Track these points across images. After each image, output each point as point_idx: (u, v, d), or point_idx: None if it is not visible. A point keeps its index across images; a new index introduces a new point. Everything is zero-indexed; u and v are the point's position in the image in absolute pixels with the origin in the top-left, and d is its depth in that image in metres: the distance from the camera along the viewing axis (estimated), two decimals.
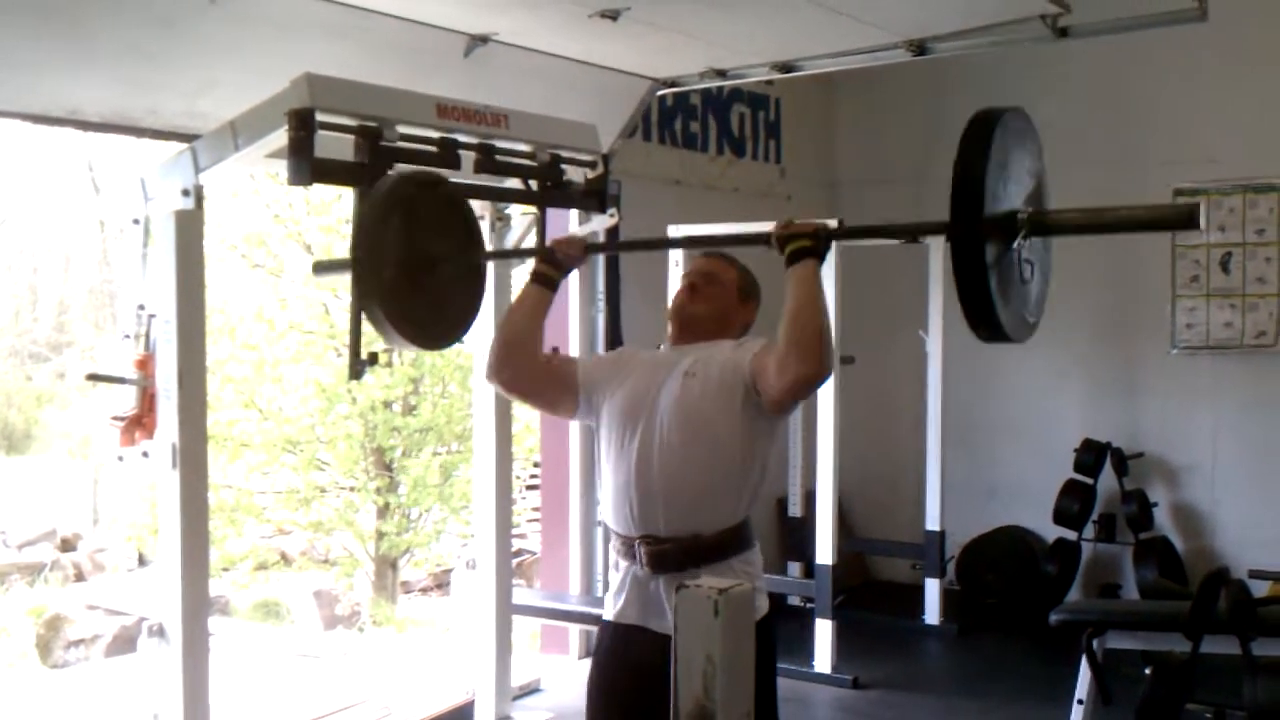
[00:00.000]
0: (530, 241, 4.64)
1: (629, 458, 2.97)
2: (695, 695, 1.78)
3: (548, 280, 3.18)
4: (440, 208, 3.44)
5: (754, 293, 3.20)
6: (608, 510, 3.07)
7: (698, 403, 2.92)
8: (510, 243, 4.85)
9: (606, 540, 3.31)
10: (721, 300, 3.13)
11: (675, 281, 6.23)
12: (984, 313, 2.67)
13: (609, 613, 3.08)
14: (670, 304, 3.15)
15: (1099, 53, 6.94)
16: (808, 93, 8.08)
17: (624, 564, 3.03)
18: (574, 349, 6.30)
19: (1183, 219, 2.60)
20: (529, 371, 3.16)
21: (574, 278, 6.33)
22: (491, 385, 3.29)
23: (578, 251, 3.20)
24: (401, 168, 3.42)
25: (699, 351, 3.02)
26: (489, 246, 4.19)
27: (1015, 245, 2.70)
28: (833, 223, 5.55)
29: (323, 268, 3.62)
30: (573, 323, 6.31)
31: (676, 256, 6.23)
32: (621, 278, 6.32)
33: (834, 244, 5.76)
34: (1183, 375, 7.26)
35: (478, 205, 4.81)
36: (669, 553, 2.92)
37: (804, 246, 2.86)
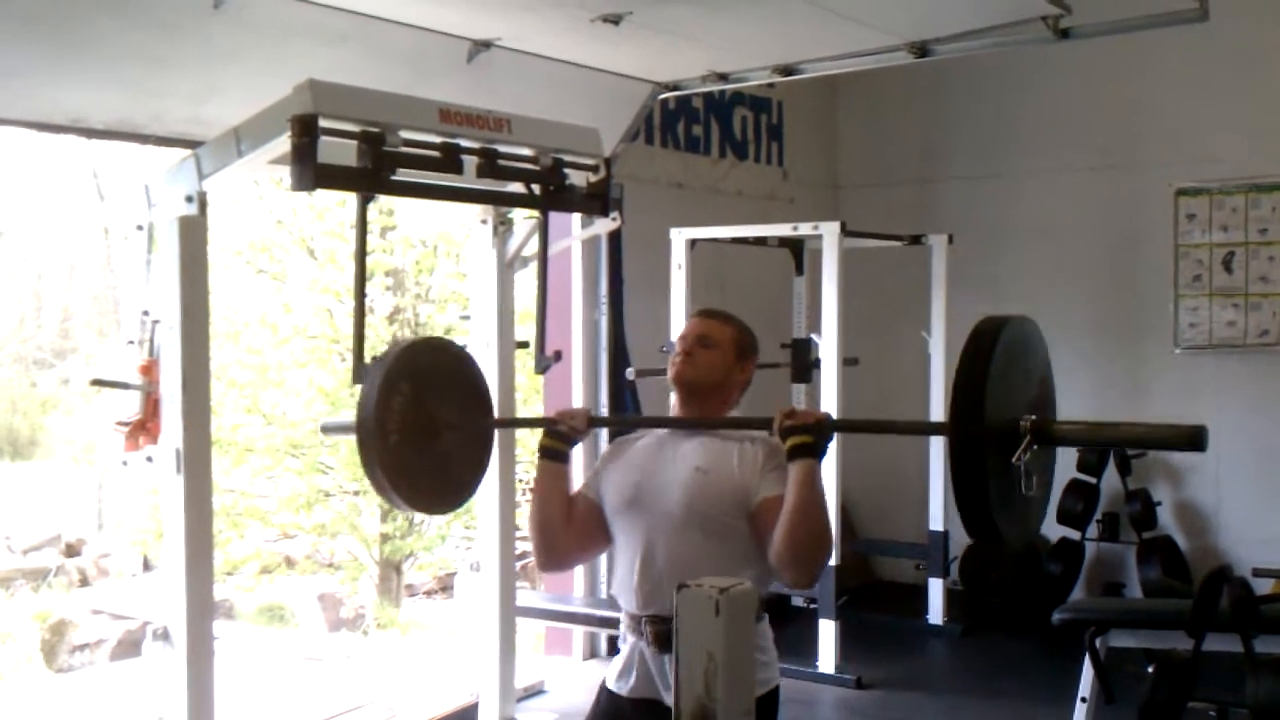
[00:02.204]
0: (534, 245, 4.65)
1: (637, 539, 2.98)
2: (696, 694, 1.80)
3: (555, 453, 3.18)
4: (449, 372, 3.45)
5: (752, 349, 3.17)
6: (616, 585, 3.08)
7: (706, 496, 2.92)
8: (513, 248, 4.87)
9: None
10: (719, 363, 3.09)
11: (678, 285, 6.25)
12: (981, 520, 2.71)
13: (615, 685, 3.07)
14: (669, 371, 3.13)
15: (1100, 53, 6.95)
16: (810, 95, 8.09)
17: (631, 639, 3.03)
18: (576, 351, 6.31)
19: (1186, 440, 2.62)
20: (574, 551, 3.20)
21: (577, 281, 6.36)
22: (547, 573, 3.30)
23: (581, 424, 3.20)
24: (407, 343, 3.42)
25: (710, 450, 2.99)
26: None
27: (1016, 455, 2.69)
28: (835, 233, 5.57)
29: (330, 429, 3.62)
30: (575, 325, 6.33)
31: (679, 259, 6.26)
32: (624, 281, 6.33)
33: (838, 244, 5.79)
34: (1186, 374, 7.26)
35: (480, 210, 4.85)
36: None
37: (805, 444, 2.85)
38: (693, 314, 3.26)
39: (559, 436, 3.17)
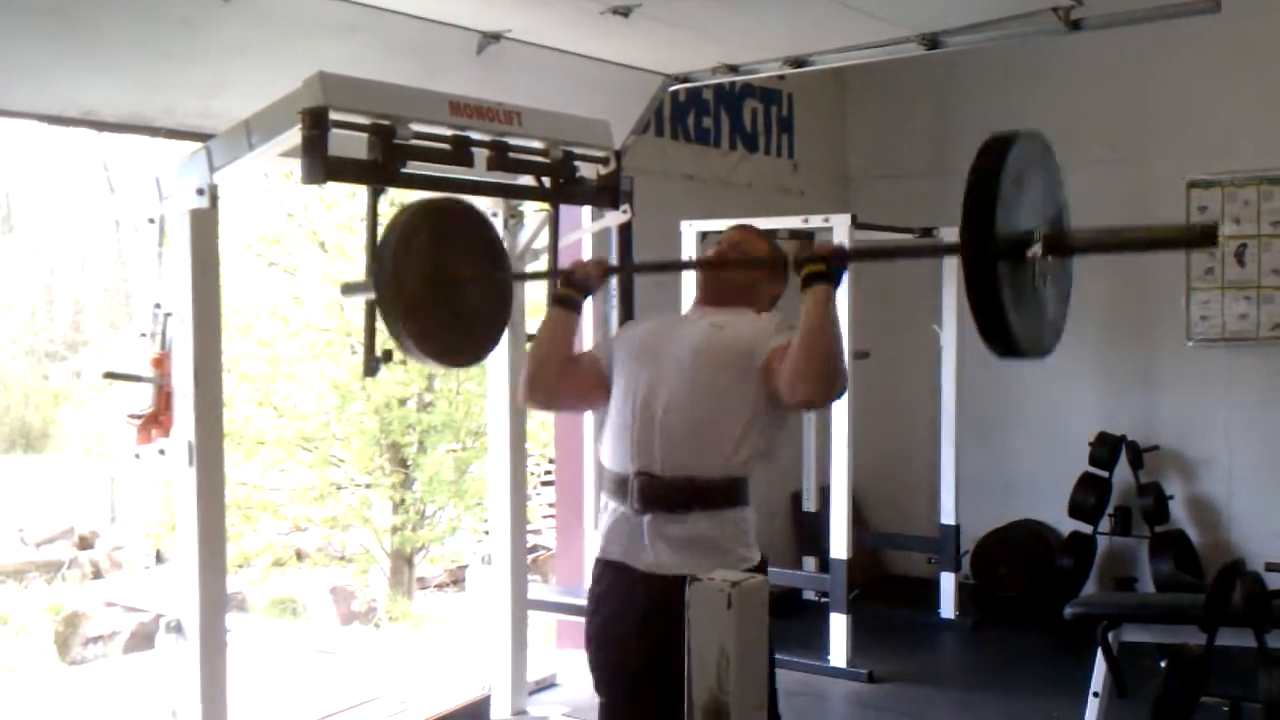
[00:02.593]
0: (544, 239, 4.65)
1: (635, 394, 3.01)
2: (709, 687, 1.79)
3: (568, 302, 3.21)
4: (466, 229, 3.46)
5: (783, 269, 3.21)
6: (606, 450, 3.10)
7: (717, 351, 2.97)
8: (523, 241, 4.86)
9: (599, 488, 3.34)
10: (750, 271, 3.15)
11: (690, 279, 6.24)
12: (1000, 334, 2.66)
13: (601, 551, 3.15)
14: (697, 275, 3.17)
15: (1112, 45, 6.93)
16: (820, 87, 8.07)
17: (613, 504, 3.08)
18: (586, 344, 6.29)
19: (1197, 238, 2.59)
20: (558, 391, 3.24)
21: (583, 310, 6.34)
22: (528, 408, 3.36)
23: (597, 273, 3.22)
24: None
25: (727, 314, 3.05)
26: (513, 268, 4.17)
27: (1030, 266, 2.68)
28: (845, 225, 5.56)
29: (350, 289, 3.63)
30: (586, 319, 6.31)
31: (690, 251, 6.25)
32: (635, 281, 6.32)
33: (849, 236, 5.77)
34: (1198, 367, 7.24)
35: (489, 203, 4.85)
36: (660, 490, 2.95)
37: (818, 271, 2.86)
38: (730, 226, 3.33)
39: (574, 285, 3.22)
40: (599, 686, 3.23)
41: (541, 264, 4.78)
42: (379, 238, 3.30)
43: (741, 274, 3.16)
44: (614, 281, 6.32)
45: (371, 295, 3.32)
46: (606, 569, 3.13)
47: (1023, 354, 2.76)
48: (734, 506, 3.00)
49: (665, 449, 2.94)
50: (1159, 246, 2.73)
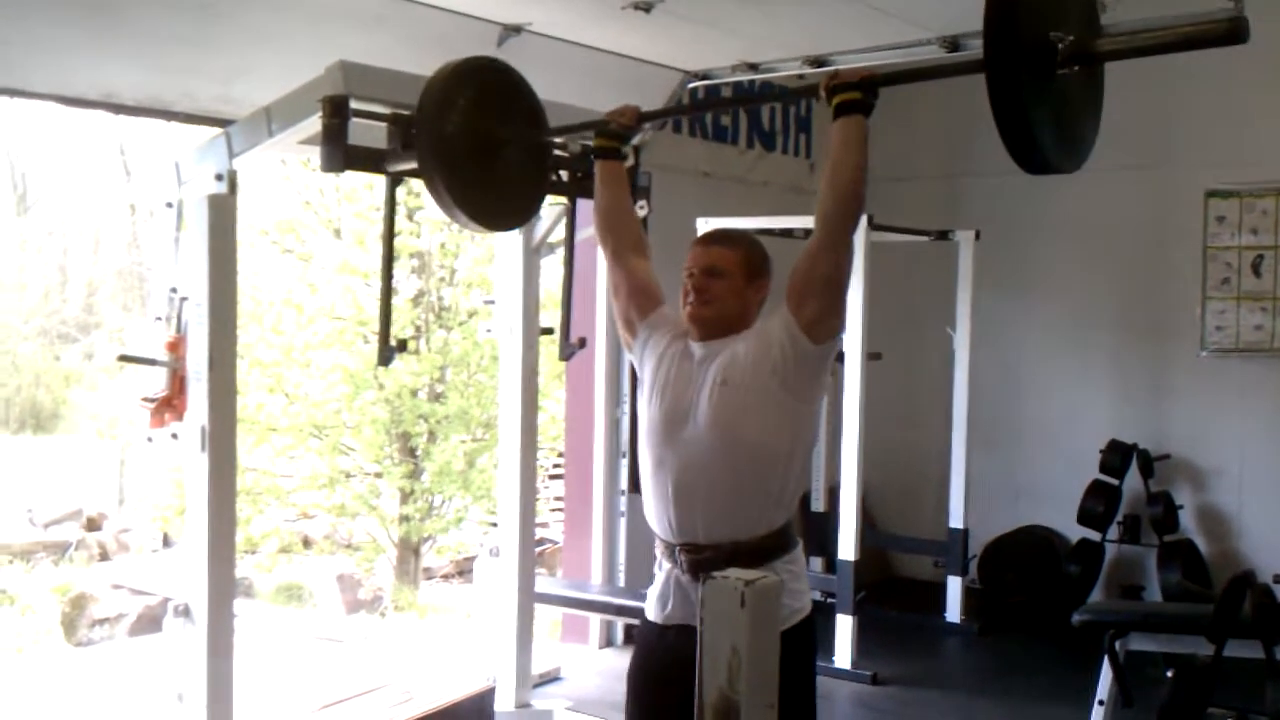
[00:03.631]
0: (560, 232, 4.65)
1: (669, 467, 2.95)
2: (720, 686, 1.79)
3: (610, 151, 3.30)
4: (507, 92, 3.48)
5: (763, 267, 3.11)
6: (649, 513, 3.06)
7: (736, 414, 2.89)
8: (539, 235, 4.87)
9: (630, 533, 3.32)
10: (730, 294, 3.02)
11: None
12: (1025, 145, 2.60)
13: (654, 614, 3.07)
14: (681, 298, 3.10)
15: None
16: None
17: (666, 565, 3.03)
18: (600, 339, 6.31)
19: (1226, 33, 2.52)
20: (629, 242, 3.29)
21: (602, 271, 6.34)
22: (605, 256, 3.35)
23: (630, 119, 3.27)
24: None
25: (727, 353, 2.97)
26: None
27: (1057, 73, 2.58)
28: (861, 226, 5.55)
29: (394, 157, 3.60)
30: (600, 313, 6.32)
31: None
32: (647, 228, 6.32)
33: (865, 238, 5.76)
34: (1212, 378, 7.22)
35: None
36: (709, 560, 2.87)
37: (852, 99, 2.86)
38: (695, 240, 3.21)
39: (611, 135, 3.30)
40: None
41: (557, 257, 4.79)
42: (421, 93, 3.32)
43: (723, 295, 3.03)
44: None
45: (410, 164, 3.35)
46: (668, 632, 3.04)
47: (1051, 168, 2.71)
48: (782, 556, 2.96)
49: (707, 522, 2.91)
50: (1189, 45, 2.63)
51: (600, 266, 6.32)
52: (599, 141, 3.31)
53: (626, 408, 6.31)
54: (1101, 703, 4.50)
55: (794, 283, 2.91)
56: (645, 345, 3.13)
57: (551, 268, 5.33)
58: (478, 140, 3.35)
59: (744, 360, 2.93)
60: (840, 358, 6.20)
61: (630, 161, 4.55)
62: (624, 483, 6.32)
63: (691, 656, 2.88)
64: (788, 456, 2.92)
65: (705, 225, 6.23)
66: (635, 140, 3.50)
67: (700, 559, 2.89)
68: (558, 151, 3.90)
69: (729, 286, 3.03)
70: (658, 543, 3.05)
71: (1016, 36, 2.53)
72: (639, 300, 3.19)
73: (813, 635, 2.97)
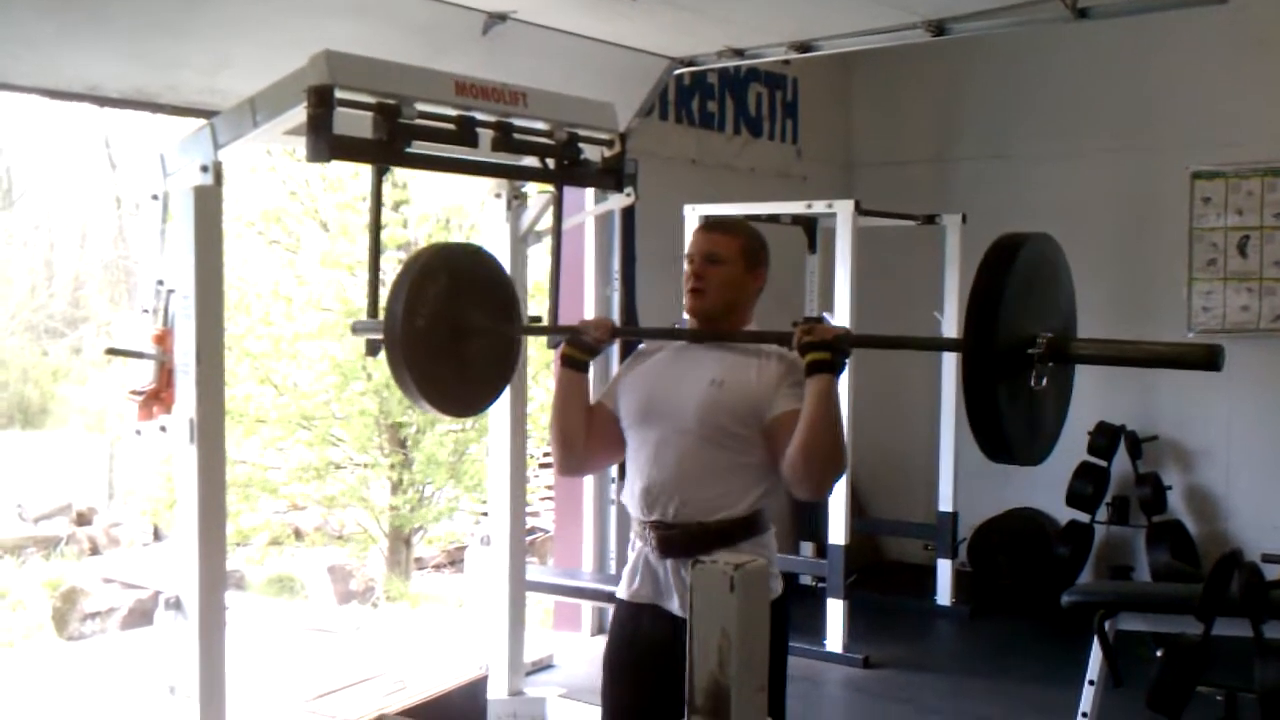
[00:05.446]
0: (547, 219, 4.64)
1: (648, 446, 3.03)
2: (710, 670, 1.80)
3: (576, 363, 3.21)
4: (481, 279, 3.48)
5: (762, 257, 3.15)
6: (627, 493, 3.12)
7: (720, 408, 2.94)
8: (526, 222, 4.86)
9: (620, 520, 3.35)
10: (729, 281, 3.07)
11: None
12: (992, 437, 2.69)
13: (623, 591, 3.14)
14: (684, 297, 3.12)
15: (1117, 34, 6.91)
16: (825, 73, 8.06)
17: (638, 545, 3.09)
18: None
19: (1202, 359, 2.60)
20: (588, 454, 3.23)
21: (589, 258, 6.35)
22: (565, 477, 3.36)
23: (604, 334, 3.22)
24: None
25: (727, 362, 3.00)
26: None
27: (1031, 370, 2.67)
28: (849, 211, 5.56)
29: (360, 329, 3.64)
30: (588, 301, 6.32)
31: (690, 235, 6.23)
32: (637, 257, 6.33)
33: (852, 222, 5.77)
34: None
35: (493, 184, 4.84)
36: (675, 538, 2.98)
37: (823, 360, 2.85)
38: (697, 228, 3.24)
39: (581, 346, 3.23)
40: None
41: (545, 245, 4.79)
42: (397, 273, 3.33)
43: (722, 281, 3.09)
44: (615, 266, 6.33)
45: (379, 337, 3.34)
46: (633, 610, 3.10)
47: (1015, 460, 2.80)
48: (750, 537, 2.99)
49: (675, 501, 2.96)
50: (1163, 363, 2.76)
51: (589, 251, 6.35)
52: (567, 350, 3.25)
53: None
54: (1091, 682, 4.53)
55: (781, 450, 2.91)
56: (620, 394, 3.17)
57: (539, 256, 5.33)
58: (448, 331, 3.35)
59: (744, 378, 2.98)
60: None
61: (629, 198, 4.57)
62: (614, 470, 6.33)
63: (658, 639, 2.93)
64: (763, 464, 2.96)
65: (693, 212, 6.25)
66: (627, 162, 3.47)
67: (668, 536, 2.97)
68: (543, 139, 3.89)
69: (728, 273, 3.09)
70: (634, 523, 3.10)
71: (994, 342, 2.65)
72: (616, 438, 3.19)
73: (784, 617, 3.00)
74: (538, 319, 4.73)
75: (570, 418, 3.17)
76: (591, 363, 3.23)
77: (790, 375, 2.94)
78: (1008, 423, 2.68)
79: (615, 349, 5.45)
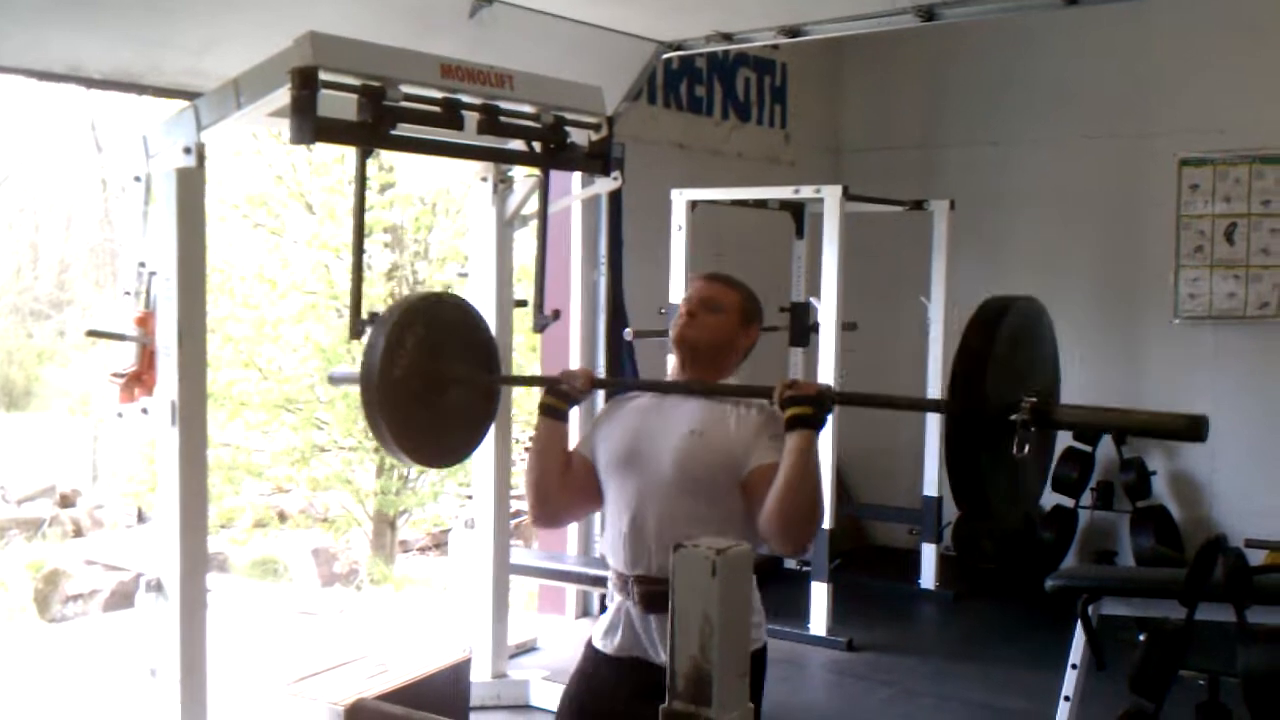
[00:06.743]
0: (533, 203, 4.63)
1: (626, 500, 2.97)
2: (692, 655, 1.80)
3: (556, 412, 3.18)
4: (457, 327, 3.45)
5: (756, 315, 3.13)
6: (606, 545, 3.07)
7: (698, 459, 2.89)
8: (512, 206, 4.85)
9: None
10: (723, 328, 3.05)
11: (678, 246, 6.23)
12: (974, 501, 2.70)
13: (600, 643, 3.07)
14: (670, 331, 3.10)
15: (1107, 21, 6.92)
16: (814, 58, 8.04)
17: (619, 598, 3.03)
18: (574, 310, 6.30)
19: (1186, 429, 2.60)
20: (564, 505, 3.18)
21: (576, 243, 6.34)
22: (540, 528, 3.31)
23: (583, 384, 3.19)
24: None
25: (706, 413, 2.96)
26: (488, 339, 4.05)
27: (1015, 436, 2.67)
28: (837, 196, 5.55)
29: (338, 379, 3.64)
30: (574, 285, 6.32)
31: (680, 220, 6.23)
32: (624, 241, 6.32)
33: (840, 208, 5.76)
34: (1184, 345, 7.26)
35: (480, 167, 4.83)
36: (661, 594, 2.89)
37: (804, 415, 2.83)
38: (698, 276, 3.19)
39: (560, 395, 3.16)
40: None
41: (531, 229, 4.79)
42: (374, 325, 3.30)
43: (716, 330, 3.07)
44: (602, 250, 6.32)
45: (356, 388, 3.32)
46: (614, 663, 3.04)
47: (994, 522, 2.82)
48: None
49: (660, 555, 2.90)
50: (1148, 433, 2.77)
51: (575, 235, 6.33)
52: (546, 399, 3.19)
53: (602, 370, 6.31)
54: (1075, 666, 4.53)
55: (758, 502, 2.86)
56: (598, 443, 3.12)
57: (525, 240, 5.32)
58: (425, 384, 3.31)
59: (720, 436, 2.93)
60: (815, 327, 6.22)
61: (616, 182, 4.55)
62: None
63: (641, 689, 2.86)
64: (744, 514, 2.90)
65: (680, 196, 6.24)
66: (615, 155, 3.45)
67: (653, 591, 2.89)
68: (529, 122, 3.88)
69: (723, 322, 3.06)
70: (611, 575, 3.05)
71: (978, 408, 2.68)
72: (593, 489, 3.13)
73: (762, 669, 2.97)
74: (523, 302, 4.74)
75: (547, 467, 3.11)
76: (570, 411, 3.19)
77: (769, 427, 2.89)
78: (990, 487, 2.69)
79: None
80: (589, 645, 3.13)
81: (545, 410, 3.17)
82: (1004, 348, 2.72)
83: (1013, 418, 2.66)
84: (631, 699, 2.93)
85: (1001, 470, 2.73)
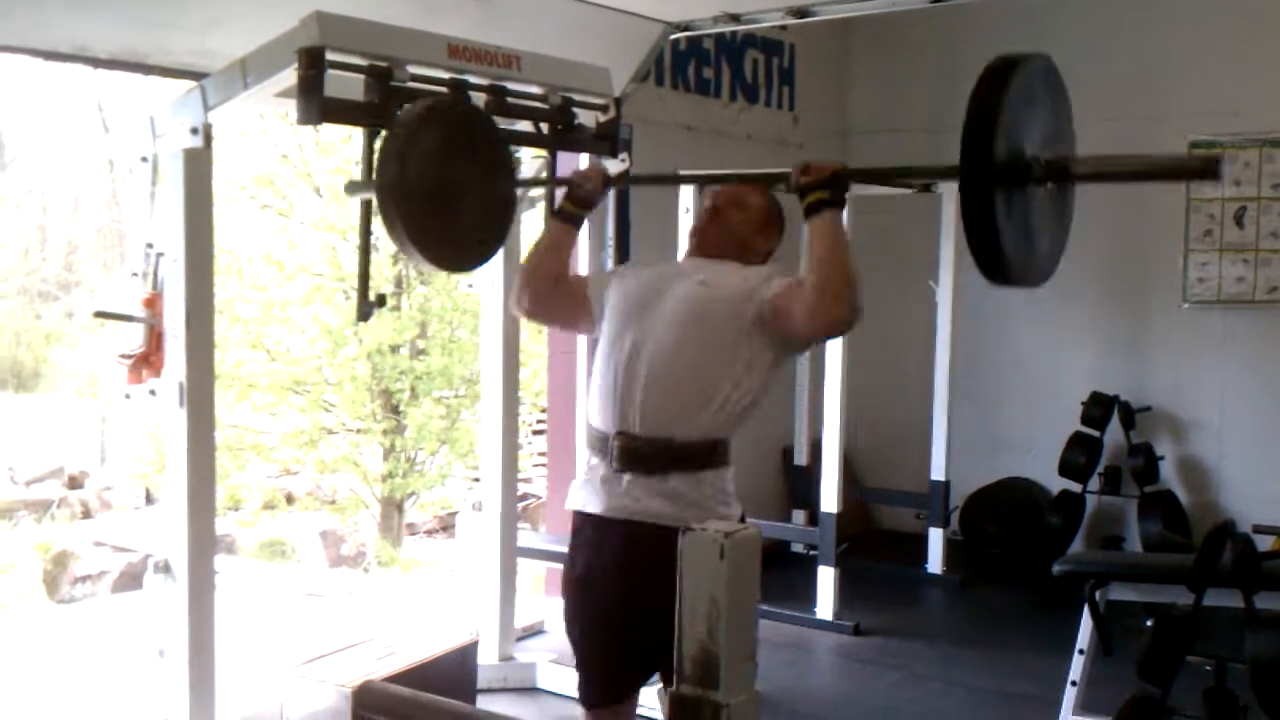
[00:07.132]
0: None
1: (620, 352, 2.98)
2: (699, 638, 1.79)
3: (569, 215, 3.21)
4: (475, 134, 3.44)
5: (779, 223, 3.17)
6: (592, 408, 3.08)
7: (703, 307, 2.91)
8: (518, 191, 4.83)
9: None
10: (745, 224, 3.10)
11: (685, 228, 6.21)
12: (992, 258, 2.62)
13: (571, 502, 3.14)
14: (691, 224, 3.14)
15: (1117, 3, 6.88)
16: (823, 39, 8.01)
17: (595, 460, 3.05)
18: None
19: (1199, 170, 2.56)
20: (545, 298, 3.22)
21: (583, 225, 6.31)
22: (515, 314, 3.31)
23: (597, 184, 3.21)
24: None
25: (717, 267, 3.00)
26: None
27: (1029, 191, 2.63)
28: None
29: (354, 187, 3.59)
30: (581, 267, 6.29)
31: (687, 203, 6.21)
32: (631, 223, 6.30)
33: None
34: (1193, 329, 7.24)
35: None
36: (640, 450, 2.92)
37: (823, 199, 2.83)
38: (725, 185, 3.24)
39: (577, 201, 3.23)
40: (578, 635, 3.23)
41: (538, 212, 4.77)
42: (392, 127, 3.28)
43: (737, 225, 3.10)
44: (609, 232, 6.30)
45: (372, 195, 3.30)
46: (585, 521, 3.11)
47: (1016, 282, 2.74)
48: (713, 468, 2.97)
49: (646, 410, 2.91)
50: (1162, 176, 2.67)
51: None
52: (563, 203, 3.27)
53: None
54: (1081, 651, 4.53)
55: (781, 307, 2.89)
56: (608, 303, 3.13)
57: (533, 221, 5.29)
58: (441, 184, 3.30)
59: (730, 282, 2.95)
60: None
61: (623, 164, 4.53)
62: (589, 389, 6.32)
63: (615, 552, 2.91)
64: (740, 373, 2.91)
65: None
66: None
67: (633, 447, 2.91)
68: (537, 104, 3.87)
69: (746, 219, 3.11)
70: (592, 440, 3.06)
71: (992, 153, 2.59)
72: (580, 311, 3.21)
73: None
74: (532, 180, 4.73)
75: (548, 260, 3.20)
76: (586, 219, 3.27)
77: (780, 271, 2.95)
78: (1005, 239, 2.61)
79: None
80: (575, 513, 3.17)
81: (559, 213, 3.26)
82: (1017, 102, 2.64)
83: (1028, 167, 2.63)
84: (602, 557, 3.02)
85: (1018, 223, 2.67)
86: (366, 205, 3.65)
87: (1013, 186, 2.62)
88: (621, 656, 3.08)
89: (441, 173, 3.28)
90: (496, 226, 3.59)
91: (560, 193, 3.42)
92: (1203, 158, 2.53)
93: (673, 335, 2.91)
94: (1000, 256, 2.60)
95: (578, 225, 3.25)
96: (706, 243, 3.09)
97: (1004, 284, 2.72)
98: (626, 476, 2.94)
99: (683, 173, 6.19)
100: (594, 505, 3.04)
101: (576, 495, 3.11)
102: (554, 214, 3.26)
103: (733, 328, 2.90)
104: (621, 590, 2.99)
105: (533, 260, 3.21)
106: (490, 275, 4.95)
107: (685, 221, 6.15)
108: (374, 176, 3.26)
